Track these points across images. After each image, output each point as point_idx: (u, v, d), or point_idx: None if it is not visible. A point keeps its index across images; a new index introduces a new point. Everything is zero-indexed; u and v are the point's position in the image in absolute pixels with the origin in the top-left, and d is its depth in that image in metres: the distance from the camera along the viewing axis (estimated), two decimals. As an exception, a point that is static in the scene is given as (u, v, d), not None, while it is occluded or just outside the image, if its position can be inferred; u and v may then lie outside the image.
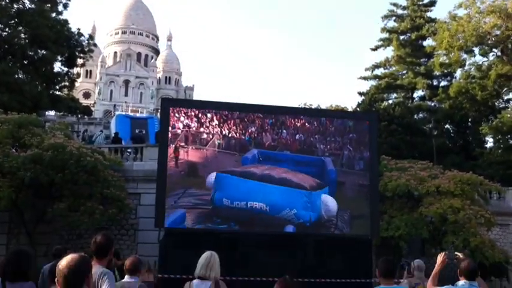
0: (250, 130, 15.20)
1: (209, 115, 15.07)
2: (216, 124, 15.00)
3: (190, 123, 14.83)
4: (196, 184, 14.44)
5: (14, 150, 18.67)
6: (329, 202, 14.63)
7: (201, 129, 14.87)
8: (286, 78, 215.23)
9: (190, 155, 14.59)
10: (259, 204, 14.23)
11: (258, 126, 15.28)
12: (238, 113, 15.33)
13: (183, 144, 14.58)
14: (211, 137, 14.86)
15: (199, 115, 15.01)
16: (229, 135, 14.98)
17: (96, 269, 4.81)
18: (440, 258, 6.17)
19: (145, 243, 18.05)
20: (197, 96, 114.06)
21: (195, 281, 5.81)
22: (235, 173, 14.52)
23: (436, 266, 6.14)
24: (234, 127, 15.10)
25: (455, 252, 6.75)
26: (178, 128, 14.75)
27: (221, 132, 14.91)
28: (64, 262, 3.17)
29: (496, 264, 17.70)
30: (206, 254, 5.96)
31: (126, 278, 6.23)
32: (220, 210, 14.21)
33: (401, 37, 44.50)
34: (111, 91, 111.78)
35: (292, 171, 14.81)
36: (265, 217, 14.17)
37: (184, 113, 15.00)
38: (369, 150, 15.51)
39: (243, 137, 15.07)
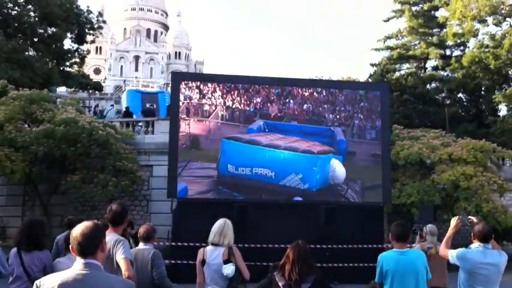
0: (255, 101, 15.02)
1: (211, 86, 14.92)
2: (219, 95, 14.86)
3: (191, 95, 14.72)
4: (199, 157, 14.44)
5: (26, 125, 18.88)
6: (337, 168, 14.54)
7: (203, 101, 14.75)
8: (297, 52, 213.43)
9: (192, 127, 14.54)
10: (265, 170, 14.20)
11: (263, 96, 15.07)
12: (241, 84, 15.16)
13: (184, 116, 14.52)
14: (214, 108, 14.73)
15: (201, 86, 14.88)
16: (233, 106, 14.81)
17: (112, 236, 4.86)
18: (453, 222, 6.13)
19: (158, 213, 18.26)
20: (207, 70, 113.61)
21: (208, 247, 5.84)
22: (241, 139, 14.47)
23: (450, 229, 6.09)
24: (238, 98, 14.89)
25: (469, 216, 6.70)
26: (180, 101, 14.68)
27: (224, 103, 14.77)
28: (78, 229, 3.20)
29: (509, 229, 17.69)
30: (220, 222, 5.99)
31: (141, 245, 6.29)
32: (225, 178, 14.23)
33: (414, 8, 43.81)
34: (121, 67, 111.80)
35: (300, 139, 14.72)
36: (271, 184, 14.18)
37: (185, 84, 14.88)
38: (380, 119, 15.38)
39: (248, 108, 14.89)
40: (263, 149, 14.31)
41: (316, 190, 14.36)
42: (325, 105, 15.36)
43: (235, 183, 14.25)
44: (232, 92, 14.92)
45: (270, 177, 14.21)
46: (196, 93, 14.75)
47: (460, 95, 41.01)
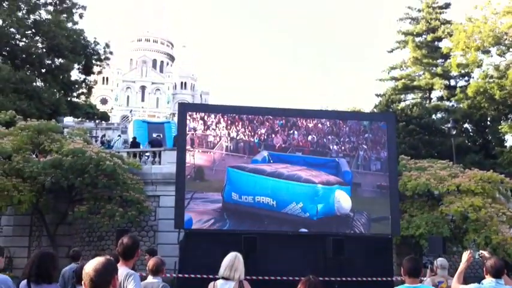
0: (259, 132, 15.07)
1: (216, 117, 15.01)
2: (223, 126, 14.92)
3: (196, 126, 14.80)
4: (204, 188, 14.47)
5: (34, 155, 18.96)
6: (341, 199, 14.53)
7: (208, 132, 14.82)
8: (303, 84, 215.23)
9: (197, 158, 14.59)
10: (266, 199, 14.25)
11: (267, 127, 15.12)
12: (247, 115, 15.23)
13: (188, 147, 14.61)
14: (218, 139, 14.79)
15: (205, 117, 14.96)
16: (238, 137, 14.87)
17: (122, 270, 4.85)
18: (465, 256, 6.08)
19: (165, 244, 18.14)
20: (213, 100, 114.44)
21: (219, 281, 5.82)
22: (245, 168, 14.54)
23: (462, 264, 6.04)
24: (243, 129, 14.95)
25: (480, 251, 6.65)
26: (187, 131, 14.77)
27: (229, 134, 14.84)
28: (90, 265, 3.20)
29: (519, 261, 17.48)
30: (230, 255, 5.97)
31: (150, 279, 6.29)
32: (229, 206, 14.26)
33: (417, 39, 44.30)
34: (128, 97, 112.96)
35: (306, 168, 14.75)
36: (272, 212, 14.20)
37: (189, 116, 14.97)
38: (386, 150, 15.38)
39: (252, 139, 14.95)
40: (265, 178, 14.43)
41: (317, 219, 14.35)
42: (329, 136, 15.40)
43: (238, 211, 14.34)
44: (237, 123, 15.00)
45: (272, 205, 14.29)
46: (201, 124, 14.84)
47: (466, 125, 41.12)
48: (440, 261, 9.24)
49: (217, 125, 14.88)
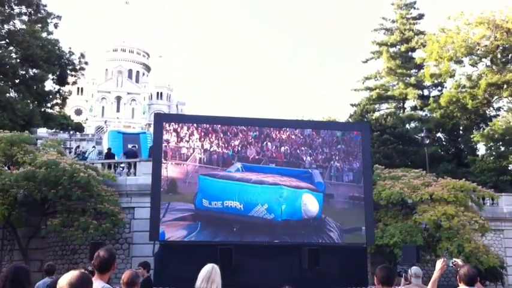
0: (233, 144, 15.12)
1: (189, 129, 15.02)
2: (196, 138, 14.94)
3: (169, 138, 14.77)
4: (177, 200, 14.46)
5: (6, 168, 18.65)
6: (308, 202, 14.69)
7: (181, 144, 14.81)
8: (278, 93, 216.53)
9: (170, 170, 14.56)
10: (234, 203, 14.36)
11: (241, 139, 15.20)
12: (220, 126, 15.30)
13: (161, 159, 14.59)
14: (191, 151, 14.79)
15: (179, 129, 14.96)
16: (211, 149, 14.91)
17: (98, 284, 4.78)
18: (439, 264, 6.15)
19: (140, 256, 17.95)
20: (189, 110, 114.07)
21: (196, 294, 5.78)
22: (216, 175, 14.63)
23: (435, 272, 6.11)
24: (216, 141, 15.00)
25: (454, 259, 6.73)
26: (163, 142, 14.76)
27: (202, 146, 14.87)
28: (65, 279, 3.18)
29: (491, 269, 17.76)
30: (207, 267, 5.93)
31: (125, 292, 6.20)
32: (200, 212, 14.31)
33: (391, 49, 44.87)
34: (103, 107, 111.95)
35: (277, 176, 14.90)
36: (240, 216, 14.31)
37: (164, 127, 14.96)
38: (359, 160, 15.54)
39: (226, 151, 15.00)
40: (233, 183, 14.54)
41: (282, 220, 14.47)
42: (303, 148, 15.50)
43: (209, 217, 14.43)
44: (210, 135, 15.01)
45: (239, 209, 14.41)
46: (174, 136, 14.80)
47: (439, 134, 41.69)
48: (414, 269, 9.33)
49: (191, 137, 14.87)
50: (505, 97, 36.13)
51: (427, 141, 30.43)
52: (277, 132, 15.49)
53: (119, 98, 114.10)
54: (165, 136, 14.75)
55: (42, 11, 35.84)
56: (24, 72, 34.34)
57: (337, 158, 15.50)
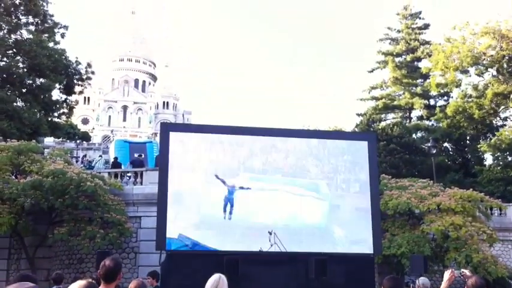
0: (238, 154, 15.11)
1: (195, 140, 15.01)
2: (202, 149, 14.92)
3: (175, 149, 14.76)
4: (182, 209, 14.43)
5: (13, 177, 18.75)
6: (314, 211, 14.67)
7: (187, 155, 14.79)
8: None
9: (176, 179, 14.54)
10: (240, 212, 14.34)
11: (247, 150, 15.18)
12: (226, 135, 15.28)
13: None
14: (197, 161, 14.77)
15: (185, 140, 14.95)
16: (217, 159, 14.88)
17: (104, 293, 4.80)
18: (447, 275, 6.13)
19: (147, 266, 17.94)
20: (195, 120, 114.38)
21: (203, 303, 5.77)
22: (222, 185, 14.63)
23: (443, 283, 6.09)
24: (222, 152, 14.98)
25: (462, 269, 6.71)
26: (169, 152, 14.74)
27: (208, 157, 14.84)
28: None
29: (499, 279, 17.64)
30: (214, 277, 5.93)
31: (130, 302, 6.21)
32: (206, 223, 14.26)
33: (397, 59, 45.00)
34: (110, 117, 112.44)
35: (283, 186, 14.89)
36: (246, 225, 14.26)
37: (170, 137, 14.95)
38: (365, 171, 15.47)
39: (231, 161, 14.98)
40: (239, 191, 14.52)
41: (287, 229, 14.42)
42: (309, 158, 15.44)
43: (215, 226, 14.32)
44: (216, 146, 14.99)
45: (245, 218, 14.36)
46: (180, 147, 14.79)
47: (445, 144, 41.62)
48: (422, 280, 9.30)
49: (197, 147, 14.86)
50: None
51: (434, 151, 30.39)
52: (283, 143, 15.45)
53: (125, 108, 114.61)
54: (171, 145, 14.74)
55: (49, 21, 36.15)
56: (31, 82, 34.57)
57: (343, 168, 15.44)
